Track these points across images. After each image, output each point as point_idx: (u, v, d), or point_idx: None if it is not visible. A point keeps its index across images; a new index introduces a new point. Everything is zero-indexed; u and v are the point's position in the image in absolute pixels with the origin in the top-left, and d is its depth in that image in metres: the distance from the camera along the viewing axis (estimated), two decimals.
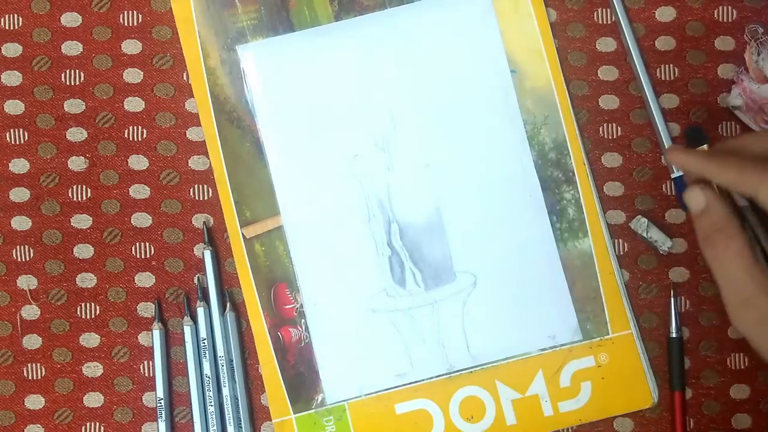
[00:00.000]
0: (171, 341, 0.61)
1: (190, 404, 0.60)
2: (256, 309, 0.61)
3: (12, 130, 0.62)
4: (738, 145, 0.51)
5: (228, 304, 0.60)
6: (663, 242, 0.61)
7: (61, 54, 0.62)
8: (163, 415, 0.59)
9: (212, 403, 0.59)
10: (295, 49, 0.62)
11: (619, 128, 0.62)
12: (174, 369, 0.61)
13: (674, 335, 0.61)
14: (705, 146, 0.61)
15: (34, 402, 0.61)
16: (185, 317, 0.60)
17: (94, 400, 0.61)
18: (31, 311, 0.61)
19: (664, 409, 0.61)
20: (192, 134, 0.62)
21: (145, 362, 0.61)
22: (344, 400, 0.60)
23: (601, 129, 0.62)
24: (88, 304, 0.61)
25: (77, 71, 0.62)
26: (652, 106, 0.61)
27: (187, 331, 0.60)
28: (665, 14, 0.63)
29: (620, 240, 0.62)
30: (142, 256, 0.61)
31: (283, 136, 0.62)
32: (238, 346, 0.60)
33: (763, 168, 0.47)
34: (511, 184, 0.61)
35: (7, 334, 0.61)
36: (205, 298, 0.60)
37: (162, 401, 0.59)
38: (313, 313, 0.61)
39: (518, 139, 0.62)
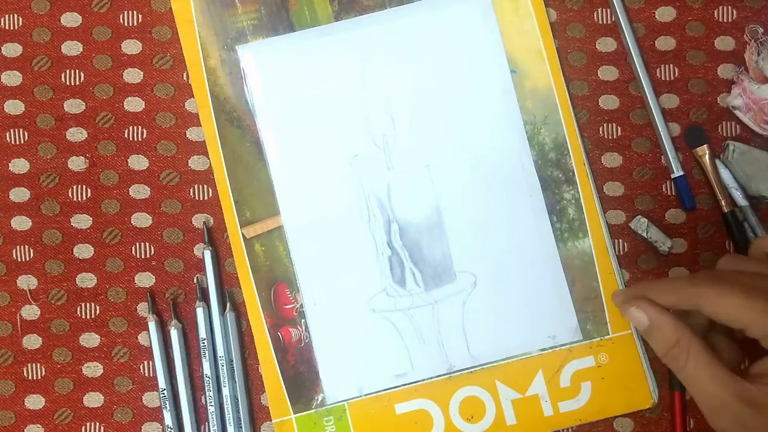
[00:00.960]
0: (170, 340, 0.61)
1: (180, 407, 0.60)
2: (256, 309, 0.61)
3: (12, 130, 0.62)
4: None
5: (228, 304, 0.60)
6: (663, 242, 0.61)
7: (61, 54, 0.62)
8: (167, 405, 0.59)
9: (212, 403, 0.59)
10: (295, 49, 0.62)
11: (619, 128, 0.62)
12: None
13: None
14: (705, 146, 0.61)
15: (34, 402, 0.61)
16: (173, 320, 0.60)
17: (94, 400, 0.61)
18: (31, 311, 0.61)
19: (664, 409, 0.61)
20: (192, 134, 0.62)
21: (145, 362, 0.61)
22: (344, 400, 0.60)
23: (601, 129, 0.62)
24: (88, 304, 0.61)
25: (77, 71, 0.62)
26: (652, 106, 0.61)
27: (174, 333, 0.60)
28: (665, 14, 0.63)
29: (620, 240, 0.62)
30: (142, 256, 0.61)
31: (283, 136, 0.62)
32: (237, 346, 0.60)
33: (697, 282, 0.48)
34: (511, 184, 0.61)
35: (7, 334, 0.61)
36: (205, 298, 0.60)
37: (165, 392, 0.59)
38: (313, 313, 0.61)
39: (518, 139, 0.62)
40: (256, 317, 0.60)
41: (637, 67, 0.61)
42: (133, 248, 0.61)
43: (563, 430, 0.61)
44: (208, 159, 0.62)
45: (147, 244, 0.61)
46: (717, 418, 0.48)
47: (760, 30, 0.62)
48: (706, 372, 0.48)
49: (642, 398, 0.61)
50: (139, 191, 0.62)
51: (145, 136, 0.62)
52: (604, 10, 0.63)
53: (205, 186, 0.62)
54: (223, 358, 0.60)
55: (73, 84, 0.62)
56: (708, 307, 0.48)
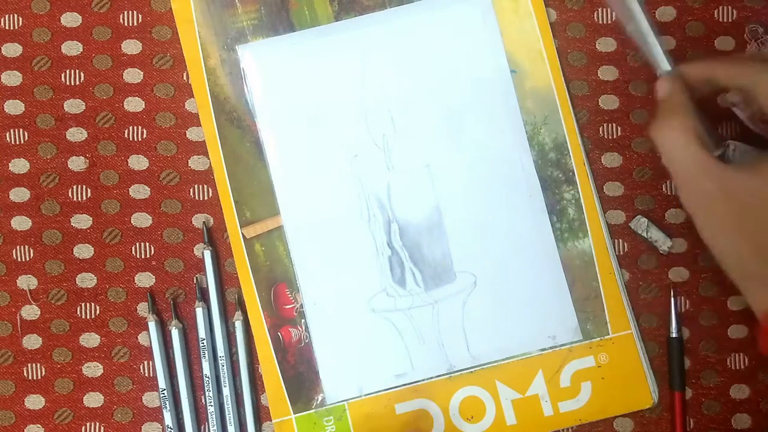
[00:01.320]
0: (170, 340, 0.61)
1: (181, 407, 0.60)
2: (256, 309, 0.61)
3: (12, 130, 0.62)
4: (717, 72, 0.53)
5: (238, 311, 0.60)
6: (663, 242, 0.61)
7: (61, 54, 0.62)
8: (167, 405, 0.59)
9: (212, 404, 0.59)
10: (295, 49, 0.62)
11: (619, 128, 0.62)
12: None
13: (674, 335, 0.61)
14: None
15: (34, 402, 0.61)
16: (173, 320, 0.60)
17: (94, 400, 0.61)
18: (31, 311, 0.61)
19: (664, 409, 0.61)
20: (192, 134, 0.62)
21: (145, 362, 0.61)
22: (344, 400, 0.60)
23: (601, 129, 0.62)
24: (88, 304, 0.61)
25: (77, 71, 0.62)
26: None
27: (174, 333, 0.60)
28: (665, 14, 0.63)
29: (620, 240, 0.62)
30: (142, 256, 0.61)
31: (283, 136, 0.62)
32: (245, 352, 0.60)
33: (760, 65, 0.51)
34: (511, 184, 0.61)
35: (7, 334, 0.61)
36: (205, 298, 0.60)
37: (165, 392, 0.59)
38: (313, 313, 0.61)
39: (518, 139, 0.62)
40: (256, 317, 0.60)
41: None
42: (133, 248, 0.61)
43: (563, 430, 0.61)
44: (208, 159, 0.62)
45: (147, 244, 0.61)
46: (685, 192, 0.50)
47: (760, 30, 0.62)
48: (684, 139, 0.50)
49: (642, 398, 0.61)
50: (139, 191, 0.62)
51: (145, 136, 0.62)
52: (604, 10, 0.63)
53: (205, 186, 0.62)
54: (223, 358, 0.60)
55: (73, 84, 0.62)
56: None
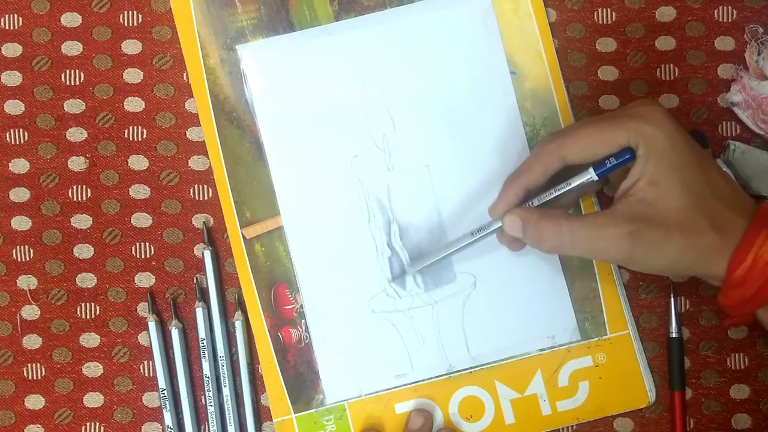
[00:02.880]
0: (170, 340, 0.61)
1: (181, 407, 0.60)
2: (256, 309, 0.61)
3: (12, 130, 0.62)
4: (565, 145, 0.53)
5: (238, 311, 0.60)
6: None
7: (61, 54, 0.62)
8: (167, 405, 0.59)
9: (212, 404, 0.60)
10: (295, 49, 0.62)
11: None
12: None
13: (674, 335, 0.61)
14: (708, 150, 0.61)
15: (34, 402, 0.61)
16: (173, 320, 0.60)
17: (94, 400, 0.61)
18: (31, 311, 0.61)
19: (664, 409, 0.61)
20: (192, 134, 0.62)
21: (145, 362, 0.61)
22: (344, 400, 0.61)
23: None
24: (88, 304, 0.61)
25: (77, 71, 0.62)
26: None
27: (174, 333, 0.60)
28: (665, 14, 0.63)
29: None
30: (142, 256, 0.61)
31: (283, 136, 0.62)
32: (246, 353, 0.60)
33: (550, 139, 0.53)
34: None
35: (7, 334, 0.61)
36: (205, 298, 0.61)
37: (165, 392, 0.60)
38: (313, 313, 0.61)
39: (518, 141, 0.61)
40: (256, 318, 0.61)
41: None
42: (133, 248, 0.61)
43: (562, 429, 0.61)
44: (208, 159, 0.62)
45: (147, 244, 0.61)
46: (615, 252, 0.51)
47: (760, 30, 0.62)
48: (588, 228, 0.51)
49: (638, 397, 0.61)
50: (139, 191, 0.62)
51: (145, 136, 0.62)
52: (604, 10, 0.63)
53: (205, 186, 0.62)
54: (223, 358, 0.60)
55: (73, 84, 0.62)
56: (572, 149, 0.52)
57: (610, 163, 0.51)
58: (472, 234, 0.57)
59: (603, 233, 0.50)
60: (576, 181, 0.53)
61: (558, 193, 0.54)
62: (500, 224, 0.55)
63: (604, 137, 0.51)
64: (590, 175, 0.53)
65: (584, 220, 0.51)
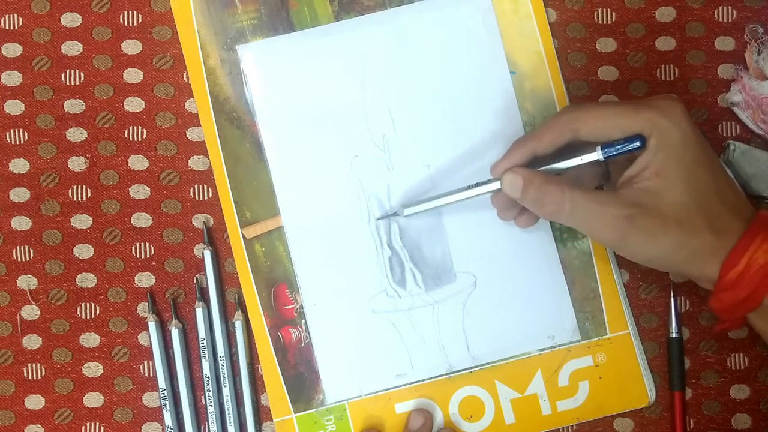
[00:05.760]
0: (170, 340, 0.61)
1: (181, 407, 0.60)
2: (256, 309, 0.61)
3: (12, 130, 0.62)
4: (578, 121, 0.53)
5: (238, 311, 0.60)
6: None
7: (61, 54, 0.62)
8: (167, 405, 0.59)
9: (212, 404, 0.60)
10: (295, 49, 0.62)
11: None
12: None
13: (674, 335, 0.61)
14: None
15: (34, 402, 0.61)
16: (173, 320, 0.60)
17: (94, 400, 0.61)
18: (31, 311, 0.61)
19: (664, 409, 0.61)
20: (192, 134, 0.62)
21: (145, 362, 0.61)
22: (344, 400, 0.61)
23: None
24: (88, 304, 0.61)
25: (77, 71, 0.62)
26: None
27: (174, 333, 0.60)
28: (665, 14, 0.63)
29: None
30: (142, 256, 0.61)
31: (283, 136, 0.62)
32: (245, 353, 0.60)
33: (565, 111, 0.53)
34: None
35: (7, 334, 0.61)
36: (205, 298, 0.61)
37: (165, 392, 0.60)
38: (313, 313, 0.61)
39: None
40: (257, 318, 0.61)
41: None
42: (133, 248, 0.61)
43: (562, 429, 0.61)
44: (208, 159, 0.62)
45: (147, 244, 0.61)
46: (610, 231, 0.51)
47: (760, 30, 0.62)
48: (589, 201, 0.51)
49: (638, 397, 0.61)
50: (139, 191, 0.62)
51: (145, 136, 0.62)
52: (604, 10, 0.63)
53: (205, 186, 0.62)
54: (223, 358, 0.60)
55: (73, 84, 0.62)
56: (586, 124, 0.52)
57: (618, 144, 0.51)
58: (469, 187, 0.56)
59: (602, 211, 0.50)
60: (581, 157, 0.53)
61: (562, 165, 0.54)
62: (498, 184, 0.54)
63: (619, 121, 0.51)
64: (597, 154, 0.52)
65: (587, 193, 0.51)
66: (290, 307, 0.61)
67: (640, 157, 0.51)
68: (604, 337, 0.61)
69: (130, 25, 0.62)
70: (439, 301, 0.61)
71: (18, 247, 0.61)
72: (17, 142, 0.62)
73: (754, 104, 0.60)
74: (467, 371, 0.61)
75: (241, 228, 0.61)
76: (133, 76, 0.62)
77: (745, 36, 0.63)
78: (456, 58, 0.62)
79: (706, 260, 0.50)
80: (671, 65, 0.63)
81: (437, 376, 0.61)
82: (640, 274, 0.62)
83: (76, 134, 0.62)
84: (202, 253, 0.61)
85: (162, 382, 0.60)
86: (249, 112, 0.62)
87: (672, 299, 0.61)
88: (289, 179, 0.61)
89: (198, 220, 0.62)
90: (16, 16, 0.62)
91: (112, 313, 0.61)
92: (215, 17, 0.62)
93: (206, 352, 0.60)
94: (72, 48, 0.62)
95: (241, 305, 0.61)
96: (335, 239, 0.61)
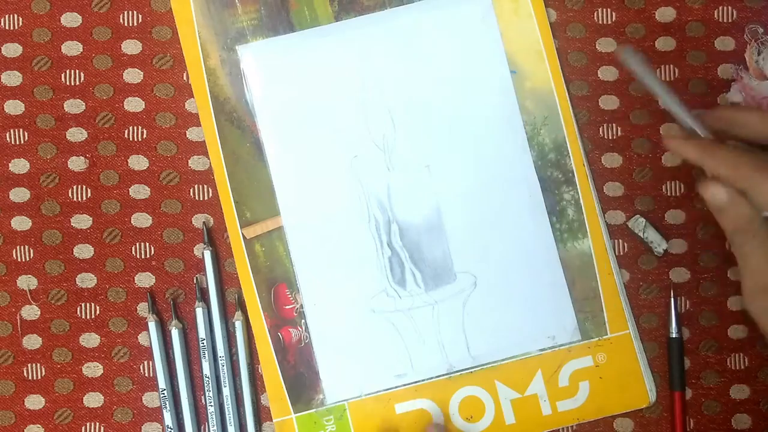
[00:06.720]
0: (170, 340, 0.61)
1: (181, 406, 0.60)
2: (256, 309, 0.61)
3: (12, 130, 0.62)
4: (739, 119, 0.51)
5: (238, 312, 0.60)
6: (658, 244, 0.61)
7: (61, 54, 0.62)
8: (167, 405, 0.59)
9: (212, 404, 0.60)
10: (295, 49, 0.62)
11: (619, 128, 0.62)
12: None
13: (674, 335, 0.61)
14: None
15: (34, 402, 0.61)
16: (173, 320, 0.60)
17: (94, 400, 0.61)
18: (31, 311, 0.61)
19: (664, 409, 0.61)
20: (192, 134, 0.62)
21: (145, 362, 0.61)
22: (344, 400, 0.61)
23: (601, 129, 0.62)
24: (88, 304, 0.61)
25: (77, 71, 0.62)
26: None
27: (174, 333, 0.60)
28: (665, 14, 0.63)
29: (620, 240, 0.62)
30: (142, 256, 0.61)
31: (283, 136, 0.62)
32: (245, 353, 0.60)
33: (756, 165, 0.49)
34: (511, 184, 0.61)
35: (7, 334, 0.61)
36: (205, 298, 0.61)
37: (165, 392, 0.60)
38: (313, 313, 0.61)
39: (518, 140, 0.62)
40: (257, 318, 0.61)
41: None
42: (133, 248, 0.61)
43: (562, 429, 0.61)
44: (208, 159, 0.62)
45: (147, 244, 0.61)
46: (757, 299, 0.50)
47: (760, 30, 0.62)
48: (762, 252, 0.50)
49: (639, 398, 0.61)
50: (139, 191, 0.62)
51: (145, 136, 0.62)
52: (604, 10, 0.63)
53: (205, 186, 0.62)
54: (223, 358, 0.60)
55: (73, 84, 0.62)
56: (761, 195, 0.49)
57: None
58: (689, 110, 0.53)
59: None
60: None
61: None
62: (702, 131, 0.52)
63: None
64: None
65: None
66: (290, 307, 0.61)
67: None
68: (604, 337, 0.61)
69: (130, 25, 0.62)
70: (439, 301, 0.61)
71: (18, 247, 0.61)
72: (17, 142, 0.62)
73: (754, 104, 0.60)
74: (467, 371, 0.61)
75: (241, 228, 0.61)
76: (133, 76, 0.62)
77: (745, 36, 0.63)
78: (456, 58, 0.62)
79: None
80: (671, 65, 0.63)
81: (437, 377, 0.61)
82: (641, 275, 0.62)
83: (76, 134, 0.62)
84: (202, 253, 0.61)
85: (162, 382, 0.60)
86: (249, 112, 0.62)
87: (672, 299, 0.61)
88: (289, 179, 0.61)
89: (198, 220, 0.62)
90: (16, 16, 0.62)
91: (112, 313, 0.61)
92: (215, 17, 0.62)
93: (206, 352, 0.60)
94: (72, 48, 0.62)
95: (241, 305, 0.61)
96: (335, 239, 0.61)
